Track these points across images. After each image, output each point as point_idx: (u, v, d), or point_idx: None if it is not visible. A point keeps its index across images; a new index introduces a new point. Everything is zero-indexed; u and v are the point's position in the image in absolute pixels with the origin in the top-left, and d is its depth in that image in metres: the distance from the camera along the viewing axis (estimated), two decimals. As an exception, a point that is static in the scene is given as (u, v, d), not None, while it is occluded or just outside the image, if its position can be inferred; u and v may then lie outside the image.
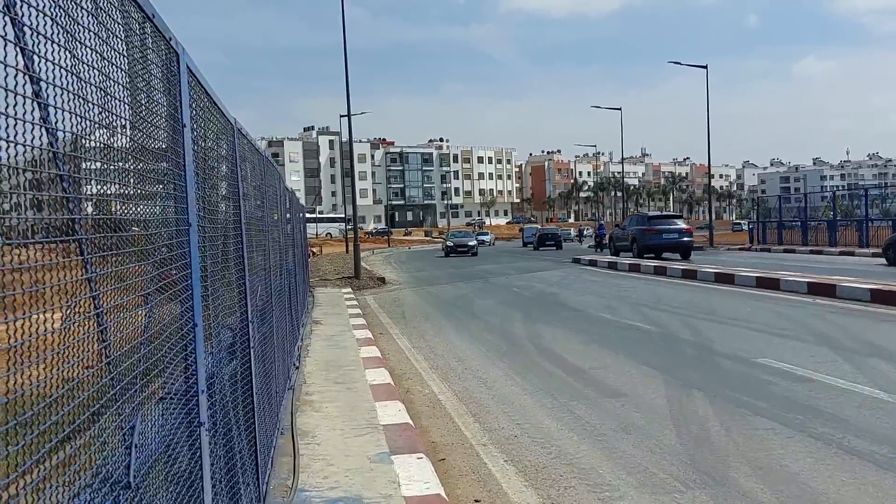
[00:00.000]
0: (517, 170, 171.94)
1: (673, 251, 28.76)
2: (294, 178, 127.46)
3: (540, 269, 28.51)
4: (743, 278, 18.18)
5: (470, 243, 46.63)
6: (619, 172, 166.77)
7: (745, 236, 49.79)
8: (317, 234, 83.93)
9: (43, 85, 1.53)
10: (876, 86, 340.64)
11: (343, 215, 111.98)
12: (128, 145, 2.09)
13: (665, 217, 30.17)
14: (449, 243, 47.33)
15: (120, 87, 2.10)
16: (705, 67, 40.44)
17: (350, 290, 22.41)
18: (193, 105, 2.96)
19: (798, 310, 13.78)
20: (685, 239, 28.59)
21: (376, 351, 11.03)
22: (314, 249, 53.25)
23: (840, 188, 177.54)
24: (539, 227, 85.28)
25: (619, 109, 54.12)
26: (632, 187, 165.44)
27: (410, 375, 9.83)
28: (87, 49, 1.86)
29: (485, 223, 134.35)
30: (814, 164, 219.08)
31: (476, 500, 5.27)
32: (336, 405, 7.53)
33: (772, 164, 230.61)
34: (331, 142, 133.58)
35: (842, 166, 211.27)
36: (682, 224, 29.53)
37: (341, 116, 44.69)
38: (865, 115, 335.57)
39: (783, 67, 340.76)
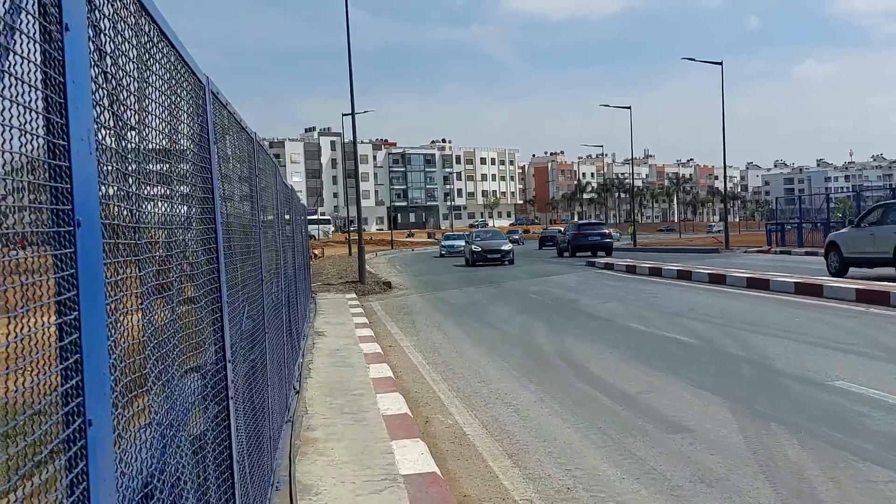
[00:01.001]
0: (520, 171, 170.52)
1: (598, 249, 37.93)
2: (296, 180, 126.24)
3: (554, 273, 27.17)
4: (779, 284, 16.80)
5: (504, 248, 34.22)
6: (622, 174, 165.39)
7: (760, 238, 48.45)
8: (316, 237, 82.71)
9: None
10: (877, 88, 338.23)
11: (326, 217, 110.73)
12: None
13: (592, 224, 42.01)
14: (474, 247, 34.39)
15: None
16: (720, 64, 39.07)
17: (354, 295, 21.10)
18: (100, 17, 1.64)
19: (853, 320, 12.43)
20: (606, 240, 38.49)
21: (387, 369, 9.71)
22: (316, 251, 52.01)
23: (843, 189, 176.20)
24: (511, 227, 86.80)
25: (629, 108, 52.79)
26: (636, 189, 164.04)
27: (428, 400, 8.50)
28: None
29: (488, 224, 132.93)
30: (818, 165, 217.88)
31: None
32: (344, 445, 6.20)
33: (775, 166, 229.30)
34: (332, 142, 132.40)
35: (846, 168, 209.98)
36: (604, 230, 40.18)
37: (343, 115, 43.27)
38: (866, 116, 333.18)
39: (784, 69, 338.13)
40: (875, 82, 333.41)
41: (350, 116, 26.45)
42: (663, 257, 34.26)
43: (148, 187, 2.12)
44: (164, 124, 2.32)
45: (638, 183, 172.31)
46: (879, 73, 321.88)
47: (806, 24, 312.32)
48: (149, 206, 2.15)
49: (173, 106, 2.52)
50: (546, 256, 42.58)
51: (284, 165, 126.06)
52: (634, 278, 23.36)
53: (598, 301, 17.15)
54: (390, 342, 12.97)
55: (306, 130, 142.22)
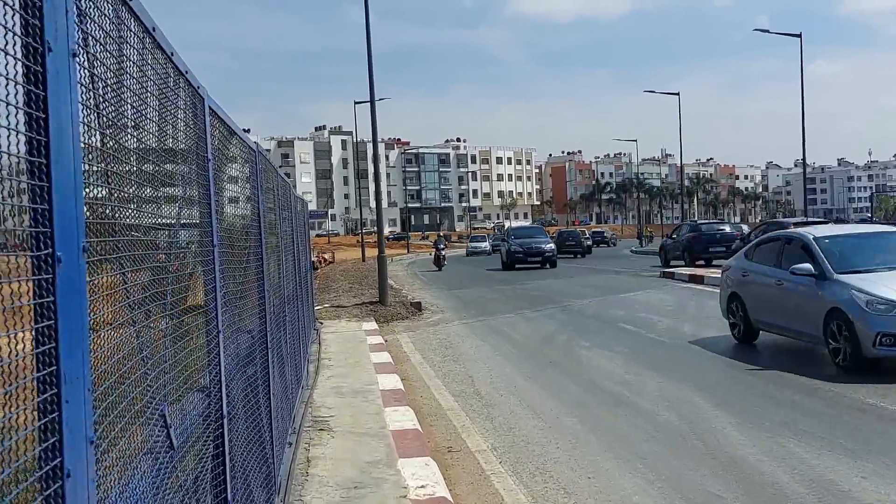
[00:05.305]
0: (537, 171, 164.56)
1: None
2: (305, 181, 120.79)
3: (625, 289, 21.33)
4: None
5: (546, 247, 31.73)
6: (642, 173, 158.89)
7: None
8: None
9: None
10: (888, 88, 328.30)
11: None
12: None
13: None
14: (513, 248, 31.74)
15: None
16: (799, 36, 33.30)
17: (374, 324, 15.47)
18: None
19: None
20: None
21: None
22: (325, 256, 46.57)
23: (867, 188, 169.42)
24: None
25: (677, 94, 46.96)
26: (654, 189, 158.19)
27: None
28: None
29: (504, 226, 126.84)
30: (839, 164, 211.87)
31: None
32: None
33: (795, 165, 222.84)
34: (343, 142, 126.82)
35: (868, 167, 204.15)
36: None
37: (356, 103, 37.56)
38: (879, 116, 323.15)
39: (794, 69, 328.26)
40: (886, 82, 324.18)
41: (363, 106, 20.85)
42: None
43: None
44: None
45: (657, 183, 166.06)
46: (890, 74, 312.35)
47: (815, 23, 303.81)
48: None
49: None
50: (604, 265, 36.87)
51: (294, 166, 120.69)
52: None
53: (747, 343, 11.44)
54: (446, 434, 7.42)
55: (316, 129, 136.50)
